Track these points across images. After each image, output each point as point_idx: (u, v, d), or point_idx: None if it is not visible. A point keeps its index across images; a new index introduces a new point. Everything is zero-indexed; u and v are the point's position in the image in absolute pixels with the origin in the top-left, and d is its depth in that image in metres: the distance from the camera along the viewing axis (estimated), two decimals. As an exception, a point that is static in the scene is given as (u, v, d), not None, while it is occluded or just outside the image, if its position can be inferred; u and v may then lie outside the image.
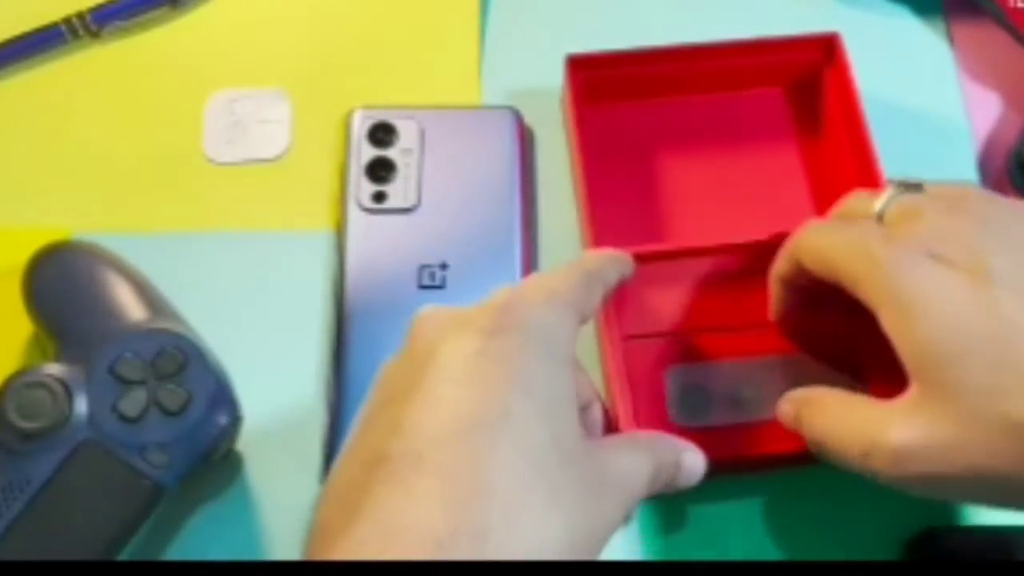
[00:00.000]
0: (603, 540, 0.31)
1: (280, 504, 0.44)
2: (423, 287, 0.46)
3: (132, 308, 0.42)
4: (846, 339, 0.42)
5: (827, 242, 0.37)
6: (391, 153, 0.48)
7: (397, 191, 0.48)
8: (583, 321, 0.35)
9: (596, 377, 0.44)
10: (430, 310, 0.34)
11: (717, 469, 0.37)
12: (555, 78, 0.49)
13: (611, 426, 0.39)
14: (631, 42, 0.48)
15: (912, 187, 0.37)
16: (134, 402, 0.39)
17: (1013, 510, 0.35)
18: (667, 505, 0.44)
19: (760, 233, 0.44)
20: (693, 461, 0.36)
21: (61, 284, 0.42)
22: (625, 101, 0.50)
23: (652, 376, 0.44)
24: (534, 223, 0.49)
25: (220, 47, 0.53)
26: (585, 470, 0.31)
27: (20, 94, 0.51)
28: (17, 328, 0.44)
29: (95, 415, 0.39)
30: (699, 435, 0.37)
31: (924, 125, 0.51)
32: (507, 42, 0.52)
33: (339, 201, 0.48)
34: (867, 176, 0.45)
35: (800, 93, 0.50)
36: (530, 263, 0.47)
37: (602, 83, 0.48)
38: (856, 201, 0.39)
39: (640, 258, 0.41)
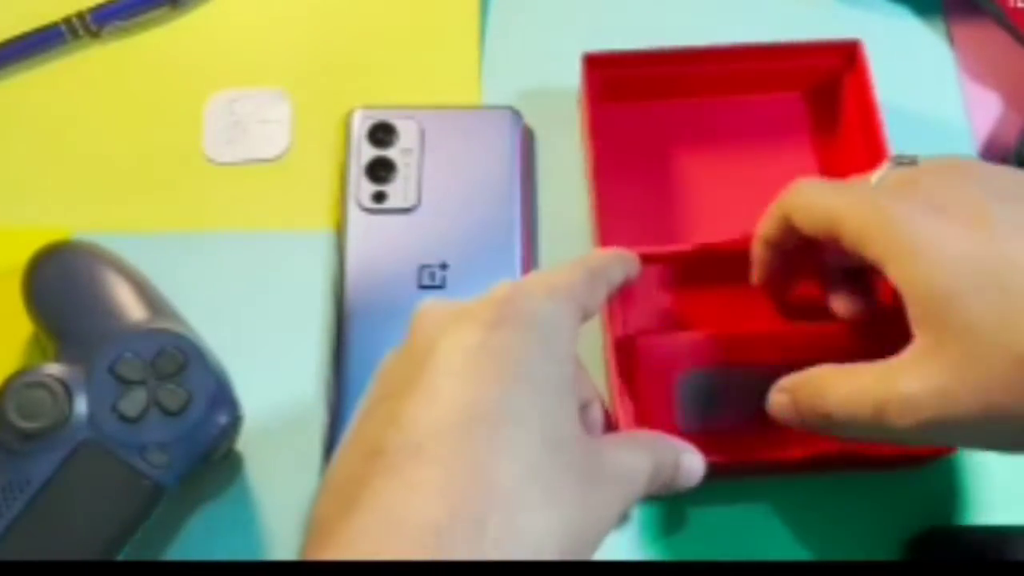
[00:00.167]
0: (600, 535, 0.31)
1: (280, 504, 0.44)
2: (423, 287, 0.46)
3: (132, 308, 0.42)
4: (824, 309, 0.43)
5: (829, 202, 0.38)
6: (391, 153, 0.48)
7: (397, 191, 0.48)
8: (585, 318, 0.35)
9: (599, 378, 0.44)
10: (431, 304, 0.34)
11: (721, 472, 0.37)
12: (555, 78, 0.49)
13: (611, 427, 0.39)
14: (631, 42, 0.48)
15: (907, 161, 0.38)
16: (134, 402, 0.39)
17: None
18: (668, 506, 0.44)
19: None
20: (692, 462, 0.36)
21: (61, 284, 0.42)
22: (641, 101, 0.50)
23: (658, 378, 0.44)
24: (534, 223, 0.49)
25: (220, 47, 0.53)
26: (584, 464, 0.31)
27: (20, 94, 0.51)
28: (17, 328, 0.44)
29: (95, 415, 0.39)
30: (704, 438, 0.37)
31: (924, 125, 0.51)
32: (507, 42, 0.52)
33: (339, 201, 0.48)
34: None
35: (818, 98, 0.50)
36: (530, 263, 0.47)
37: (619, 82, 0.48)
38: (852, 177, 0.40)
39: (649, 259, 0.41)
